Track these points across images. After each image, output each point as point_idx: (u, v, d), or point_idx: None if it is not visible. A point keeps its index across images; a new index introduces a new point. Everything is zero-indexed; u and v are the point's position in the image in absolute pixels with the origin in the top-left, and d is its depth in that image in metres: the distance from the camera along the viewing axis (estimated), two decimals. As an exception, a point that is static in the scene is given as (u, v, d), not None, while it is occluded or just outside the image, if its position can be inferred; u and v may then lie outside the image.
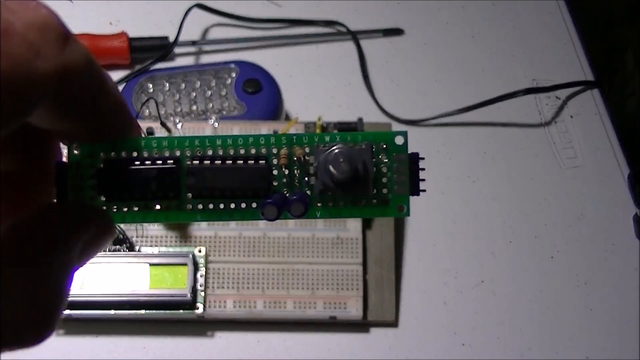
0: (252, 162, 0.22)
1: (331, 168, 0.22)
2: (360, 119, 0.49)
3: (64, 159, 0.22)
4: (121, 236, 0.46)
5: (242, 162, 0.22)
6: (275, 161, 0.22)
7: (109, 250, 0.46)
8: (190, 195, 0.22)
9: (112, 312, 0.45)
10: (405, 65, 0.60)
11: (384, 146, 0.22)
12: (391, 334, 0.48)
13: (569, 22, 0.63)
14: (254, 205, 0.22)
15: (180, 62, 0.59)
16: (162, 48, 0.58)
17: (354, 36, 0.61)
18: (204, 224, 0.47)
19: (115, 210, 0.22)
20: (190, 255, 0.46)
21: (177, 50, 0.59)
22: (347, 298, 0.46)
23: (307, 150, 0.22)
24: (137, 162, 0.22)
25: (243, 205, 0.22)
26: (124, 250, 0.46)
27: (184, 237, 0.47)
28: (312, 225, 0.48)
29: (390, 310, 0.47)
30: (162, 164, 0.22)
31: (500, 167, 0.55)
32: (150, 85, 0.53)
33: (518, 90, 0.57)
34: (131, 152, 0.22)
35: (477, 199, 0.53)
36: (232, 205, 0.22)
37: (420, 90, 0.59)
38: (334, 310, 0.46)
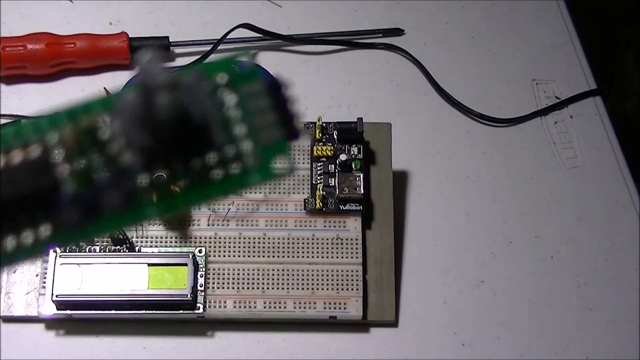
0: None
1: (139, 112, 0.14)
2: (360, 119, 0.49)
3: None
4: (121, 236, 0.46)
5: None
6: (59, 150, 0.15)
7: (109, 251, 0.46)
8: None
9: (112, 312, 0.45)
10: (405, 65, 0.60)
11: (226, 79, 0.15)
12: (391, 334, 0.48)
13: (569, 22, 0.63)
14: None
15: (180, 62, 0.59)
16: (162, 48, 0.58)
17: (354, 36, 0.61)
18: (204, 224, 0.47)
19: None
20: (190, 256, 0.46)
21: (177, 50, 0.59)
22: (346, 298, 0.46)
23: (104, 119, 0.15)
24: None
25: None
26: (123, 251, 0.46)
27: (184, 237, 0.47)
28: (312, 225, 0.48)
29: (390, 310, 0.47)
30: None
31: (500, 167, 0.55)
32: (150, 85, 0.53)
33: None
34: None
35: (477, 199, 0.53)
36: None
37: (420, 91, 0.59)
38: (334, 310, 0.46)
